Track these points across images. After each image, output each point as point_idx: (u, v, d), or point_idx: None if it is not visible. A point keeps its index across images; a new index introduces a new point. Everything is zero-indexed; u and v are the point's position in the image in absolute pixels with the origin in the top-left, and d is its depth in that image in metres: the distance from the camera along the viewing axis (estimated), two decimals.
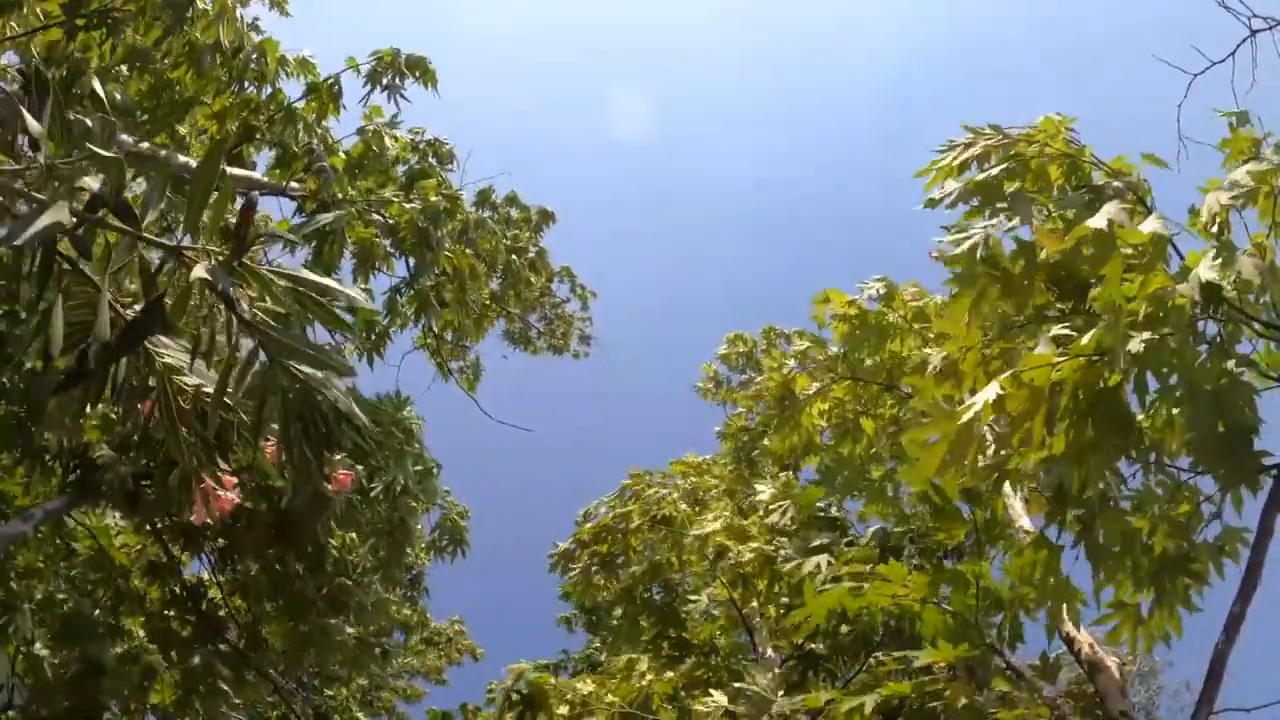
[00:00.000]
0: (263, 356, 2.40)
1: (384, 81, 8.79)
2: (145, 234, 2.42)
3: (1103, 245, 3.59)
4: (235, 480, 3.04)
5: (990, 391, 3.49)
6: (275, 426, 2.52)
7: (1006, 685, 4.82)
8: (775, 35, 32.97)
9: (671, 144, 34.54)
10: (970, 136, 4.30)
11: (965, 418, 3.50)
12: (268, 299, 2.40)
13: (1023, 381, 3.52)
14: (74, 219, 2.30)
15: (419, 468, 8.86)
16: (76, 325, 2.55)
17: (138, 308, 2.57)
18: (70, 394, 2.63)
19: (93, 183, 2.40)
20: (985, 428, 3.60)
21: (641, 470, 11.41)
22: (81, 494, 7.77)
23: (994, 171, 4.13)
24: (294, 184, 8.77)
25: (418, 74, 8.81)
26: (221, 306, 2.37)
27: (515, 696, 8.72)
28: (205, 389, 2.70)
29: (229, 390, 2.47)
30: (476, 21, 29.90)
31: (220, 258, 2.35)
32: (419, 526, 10.58)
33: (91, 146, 2.42)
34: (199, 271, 2.26)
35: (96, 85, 7.04)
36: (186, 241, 2.41)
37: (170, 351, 2.71)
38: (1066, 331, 3.69)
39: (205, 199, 2.40)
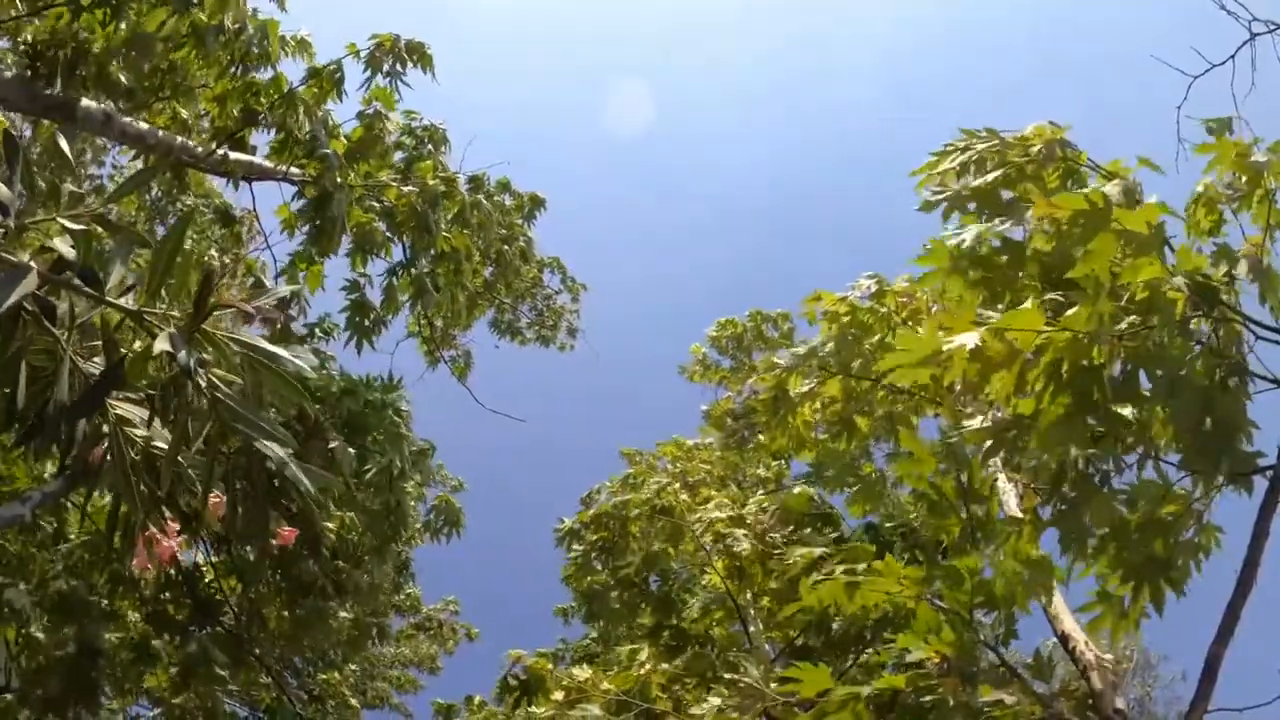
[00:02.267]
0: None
1: (384, 68, 8.76)
2: (107, 298, 2.52)
3: (1095, 221, 3.55)
4: (179, 527, 3.10)
5: (970, 338, 3.50)
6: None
7: (1000, 682, 4.82)
8: (775, 33, 32.81)
9: (671, 141, 34.38)
10: (966, 140, 4.30)
11: (945, 348, 3.53)
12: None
13: (1004, 337, 3.54)
14: (40, 281, 2.41)
15: (415, 449, 8.85)
16: (38, 370, 2.69)
17: (98, 360, 2.69)
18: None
19: (62, 246, 2.53)
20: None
21: (633, 450, 11.43)
22: (79, 477, 7.76)
23: (990, 178, 4.13)
24: (294, 169, 8.74)
25: (415, 58, 8.77)
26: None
27: (514, 681, 8.75)
28: (155, 442, 2.80)
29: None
30: (475, 20, 29.79)
31: (180, 323, 2.42)
32: (415, 510, 10.60)
33: (60, 219, 2.58)
34: (161, 343, 2.35)
35: None
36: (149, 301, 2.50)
37: (123, 405, 2.79)
38: (1059, 297, 3.69)
39: (168, 269, 2.49)
